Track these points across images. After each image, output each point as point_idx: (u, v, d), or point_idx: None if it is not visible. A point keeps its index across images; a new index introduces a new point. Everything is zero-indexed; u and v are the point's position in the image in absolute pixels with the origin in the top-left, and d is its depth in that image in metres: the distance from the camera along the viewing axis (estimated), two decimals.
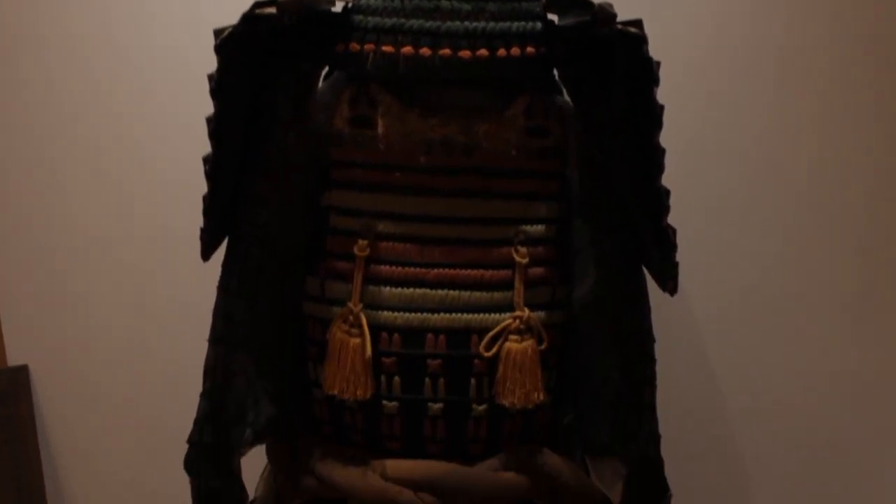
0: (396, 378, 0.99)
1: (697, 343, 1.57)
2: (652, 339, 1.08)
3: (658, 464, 1.08)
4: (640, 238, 1.01)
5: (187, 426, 1.06)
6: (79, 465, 1.57)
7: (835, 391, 1.59)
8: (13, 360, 1.51)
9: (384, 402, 1.00)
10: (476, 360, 0.99)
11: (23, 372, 1.51)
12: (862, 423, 1.61)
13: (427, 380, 0.99)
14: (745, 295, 1.54)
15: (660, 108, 0.93)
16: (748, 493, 1.65)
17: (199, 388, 1.06)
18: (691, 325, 1.56)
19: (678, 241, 1.01)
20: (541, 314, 1.01)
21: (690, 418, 1.57)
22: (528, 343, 0.99)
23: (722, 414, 1.61)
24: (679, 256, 1.02)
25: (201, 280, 1.12)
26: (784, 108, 1.46)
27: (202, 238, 1.00)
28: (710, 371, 1.58)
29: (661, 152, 0.95)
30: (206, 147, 0.95)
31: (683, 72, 1.41)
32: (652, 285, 1.08)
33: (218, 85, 0.92)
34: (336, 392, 0.98)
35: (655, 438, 1.08)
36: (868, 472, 1.63)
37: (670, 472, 1.11)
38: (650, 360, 1.07)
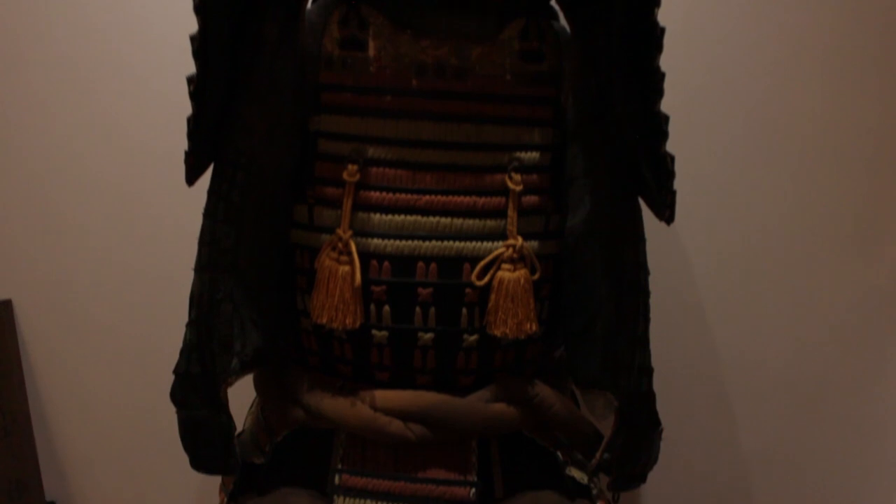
0: (386, 307, 0.97)
1: (690, 282, 1.56)
2: (646, 272, 1.06)
3: (650, 397, 1.08)
4: (637, 166, 0.99)
5: (173, 357, 1.04)
6: (64, 399, 1.56)
7: (824, 330, 1.60)
8: None
9: (373, 331, 0.98)
10: (468, 290, 0.97)
11: (6, 307, 1.49)
12: (850, 360, 1.62)
13: (417, 309, 0.97)
14: (740, 234, 1.53)
15: (660, 31, 0.90)
16: (738, 430, 1.66)
17: (186, 319, 1.04)
18: (684, 265, 1.55)
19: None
20: (534, 244, 0.99)
21: (681, 355, 1.57)
22: (521, 272, 0.97)
23: (712, 350, 1.61)
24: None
25: (187, 208, 1.10)
26: (789, 46, 1.43)
27: (187, 162, 0.97)
28: (701, 307, 1.57)
29: (660, 76, 0.92)
30: (192, 67, 0.92)
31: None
32: (647, 218, 1.06)
33: (201, 0, 0.88)
34: (324, 321, 0.96)
35: (648, 372, 1.07)
36: (855, 408, 1.65)
37: (661, 408, 1.11)
38: (644, 293, 1.06)
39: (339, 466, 1.01)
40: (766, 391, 1.64)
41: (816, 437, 1.68)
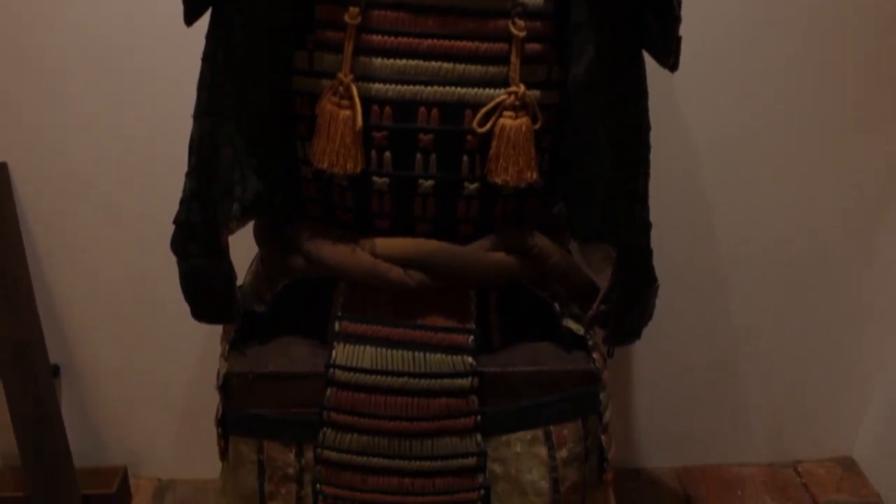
0: (387, 153, 0.97)
1: (689, 154, 1.56)
2: (648, 127, 1.05)
3: (647, 252, 1.08)
4: (642, 14, 0.97)
5: (172, 212, 1.04)
6: (64, 263, 1.57)
7: (821, 209, 1.61)
8: None
9: (374, 178, 0.98)
10: (469, 137, 0.96)
11: (2, 170, 1.48)
12: (844, 242, 1.63)
13: (418, 155, 0.97)
14: (742, 107, 1.52)
15: None
16: (729, 303, 1.69)
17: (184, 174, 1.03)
18: (684, 133, 1.54)
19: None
20: (536, 93, 0.98)
21: (676, 225, 1.58)
22: (523, 120, 0.96)
23: (707, 224, 1.62)
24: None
25: (185, 57, 1.08)
26: None
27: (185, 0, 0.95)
28: (699, 179, 1.58)
29: None
30: None
31: None
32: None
33: None
34: (325, 166, 0.95)
35: (646, 226, 1.07)
36: (844, 289, 1.67)
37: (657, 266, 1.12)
38: (645, 147, 1.05)
39: (340, 314, 1.02)
40: (760, 267, 1.66)
41: (806, 316, 1.71)
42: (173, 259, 1.05)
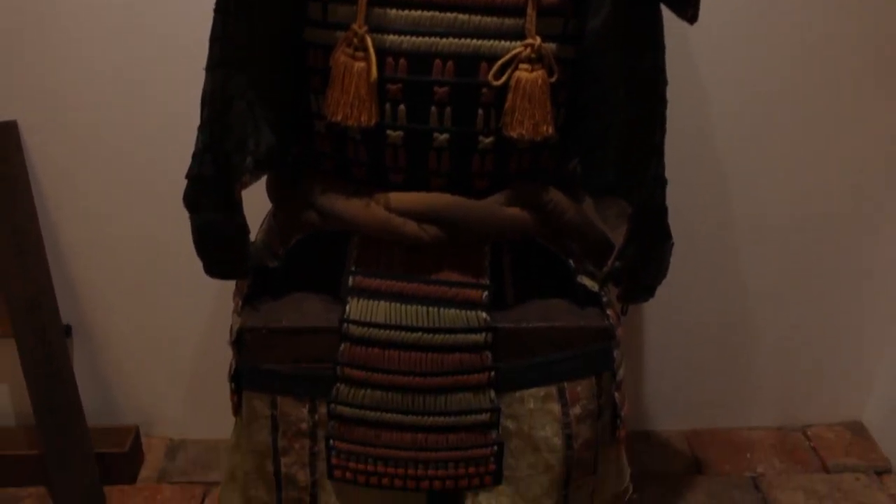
0: (402, 106, 0.96)
1: (703, 112, 1.55)
2: (665, 81, 1.04)
3: (662, 209, 1.07)
4: None
5: (184, 168, 1.03)
6: (75, 222, 1.57)
7: (836, 172, 1.60)
8: (0, 116, 1.47)
9: (388, 131, 0.97)
10: (484, 90, 0.95)
11: (12, 128, 1.47)
12: (858, 208, 1.62)
13: (433, 108, 0.96)
14: (760, 66, 1.50)
15: None
16: (742, 262, 1.68)
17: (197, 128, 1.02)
18: (700, 92, 1.53)
19: None
20: (552, 46, 0.96)
21: (689, 186, 1.57)
22: (539, 73, 0.94)
23: (723, 188, 1.61)
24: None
25: (197, 9, 1.07)
26: None
27: None
28: (713, 140, 1.57)
29: None
30: None
31: None
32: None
33: None
34: (339, 118, 0.94)
35: (662, 183, 1.06)
36: (858, 254, 1.67)
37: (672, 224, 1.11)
38: (661, 101, 1.04)
39: (353, 269, 1.02)
40: (772, 231, 1.65)
41: (817, 280, 1.71)
42: (185, 216, 1.04)
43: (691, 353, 1.77)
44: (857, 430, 1.84)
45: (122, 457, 1.64)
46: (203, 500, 1.62)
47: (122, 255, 1.59)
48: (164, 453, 1.74)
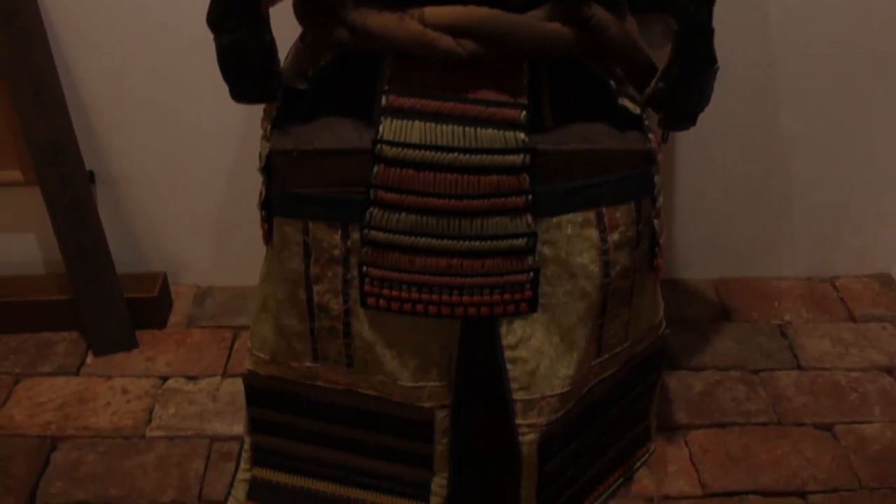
0: None
1: None
2: None
3: (709, 30, 1.02)
4: None
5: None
6: (92, 67, 1.52)
7: (880, 15, 1.52)
8: None
9: None
10: None
11: None
12: None
13: None
14: None
15: None
16: (781, 105, 1.63)
17: None
18: None
19: None
20: None
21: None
22: None
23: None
24: None
25: None
26: None
27: None
28: None
29: None
30: None
31: None
32: None
33: None
34: None
35: (709, 2, 1.00)
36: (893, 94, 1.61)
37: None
38: None
39: (387, 87, 0.98)
40: (813, 73, 1.59)
41: (855, 129, 1.66)
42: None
43: (721, 202, 1.74)
44: (886, 282, 1.83)
45: (151, 301, 1.65)
46: (233, 342, 1.64)
47: (143, 101, 1.55)
48: (192, 300, 1.74)
